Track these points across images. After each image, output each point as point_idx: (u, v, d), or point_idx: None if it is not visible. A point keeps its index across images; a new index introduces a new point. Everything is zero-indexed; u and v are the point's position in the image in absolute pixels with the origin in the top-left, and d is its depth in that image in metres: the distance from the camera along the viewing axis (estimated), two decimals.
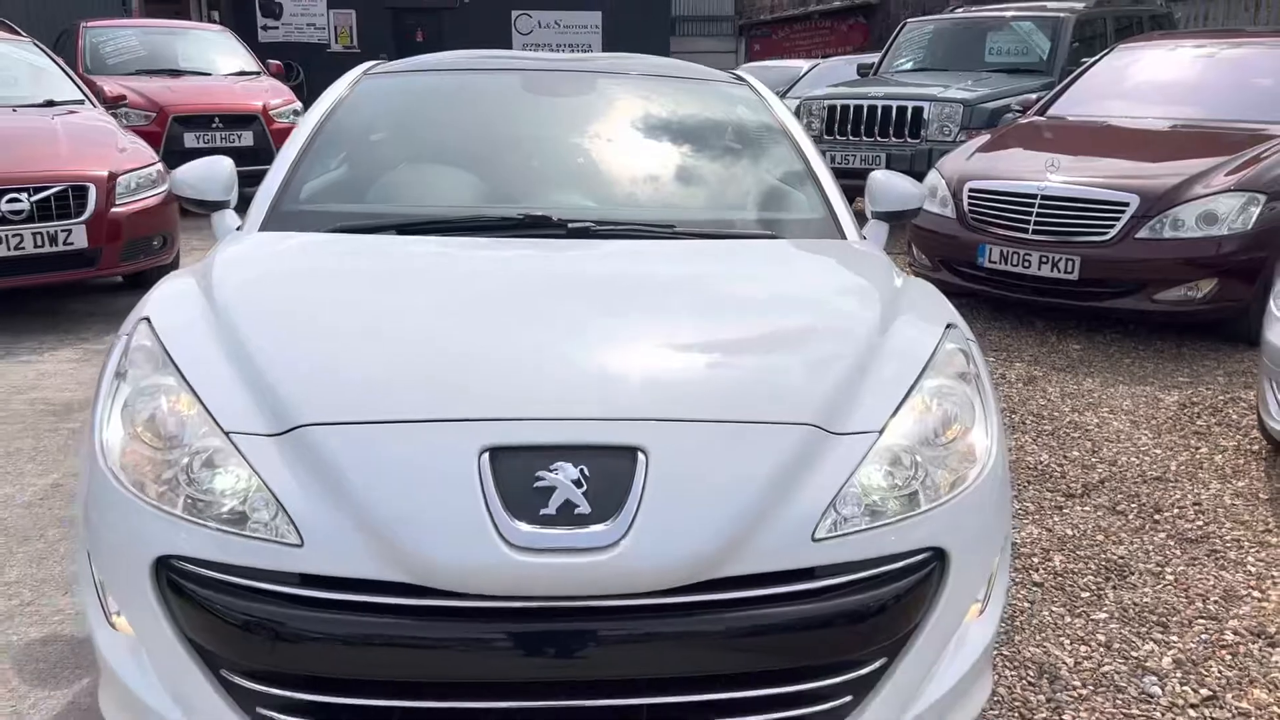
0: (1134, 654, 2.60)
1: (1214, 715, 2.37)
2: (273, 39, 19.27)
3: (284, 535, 1.67)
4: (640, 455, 1.72)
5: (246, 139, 9.39)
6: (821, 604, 1.71)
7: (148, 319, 2.11)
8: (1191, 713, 2.38)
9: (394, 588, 1.64)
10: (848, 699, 1.79)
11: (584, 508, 1.66)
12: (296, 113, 9.98)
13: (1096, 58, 7.17)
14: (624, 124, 3.18)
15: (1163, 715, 2.37)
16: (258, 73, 10.70)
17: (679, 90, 3.36)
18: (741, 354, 2.05)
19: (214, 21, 16.97)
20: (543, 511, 1.65)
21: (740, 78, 3.50)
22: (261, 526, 1.69)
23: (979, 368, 2.13)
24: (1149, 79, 6.63)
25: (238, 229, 2.74)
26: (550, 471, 1.69)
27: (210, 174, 2.87)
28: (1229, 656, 2.59)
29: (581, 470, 1.69)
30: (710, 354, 2.04)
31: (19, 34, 7.20)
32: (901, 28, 10.04)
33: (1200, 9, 12.05)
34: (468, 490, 1.66)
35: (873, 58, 10.86)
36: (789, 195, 2.95)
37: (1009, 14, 9.43)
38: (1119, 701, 2.42)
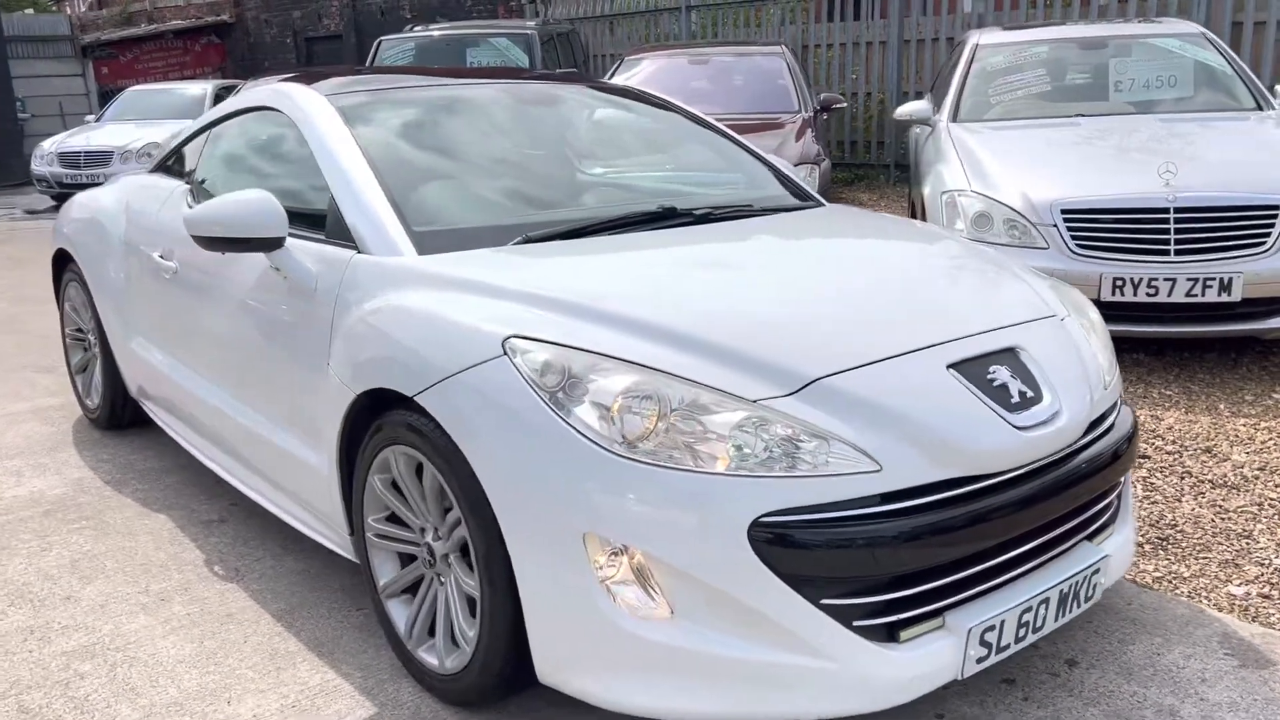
0: None
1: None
2: None
3: (861, 466, 1.95)
4: (1018, 351, 2.30)
5: None
6: (1114, 436, 2.45)
7: (519, 335, 2.07)
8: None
9: (942, 485, 2.03)
10: (1115, 505, 2.56)
11: (1030, 392, 2.21)
12: None
13: (613, 69, 8.42)
14: (637, 129, 3.44)
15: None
16: None
17: (626, 99, 3.70)
18: (969, 273, 2.71)
19: None
20: (1013, 400, 2.17)
21: (638, 90, 3.92)
22: (826, 464, 1.93)
23: None
24: (667, 83, 8.03)
25: (366, 256, 2.53)
26: (992, 372, 2.19)
27: (260, 209, 2.58)
28: None
29: (1007, 367, 2.22)
30: (965, 275, 2.68)
31: None
32: (379, 45, 10.37)
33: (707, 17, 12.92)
34: (968, 396, 2.12)
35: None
36: (776, 174, 3.53)
37: (484, 31, 10.35)
38: None
